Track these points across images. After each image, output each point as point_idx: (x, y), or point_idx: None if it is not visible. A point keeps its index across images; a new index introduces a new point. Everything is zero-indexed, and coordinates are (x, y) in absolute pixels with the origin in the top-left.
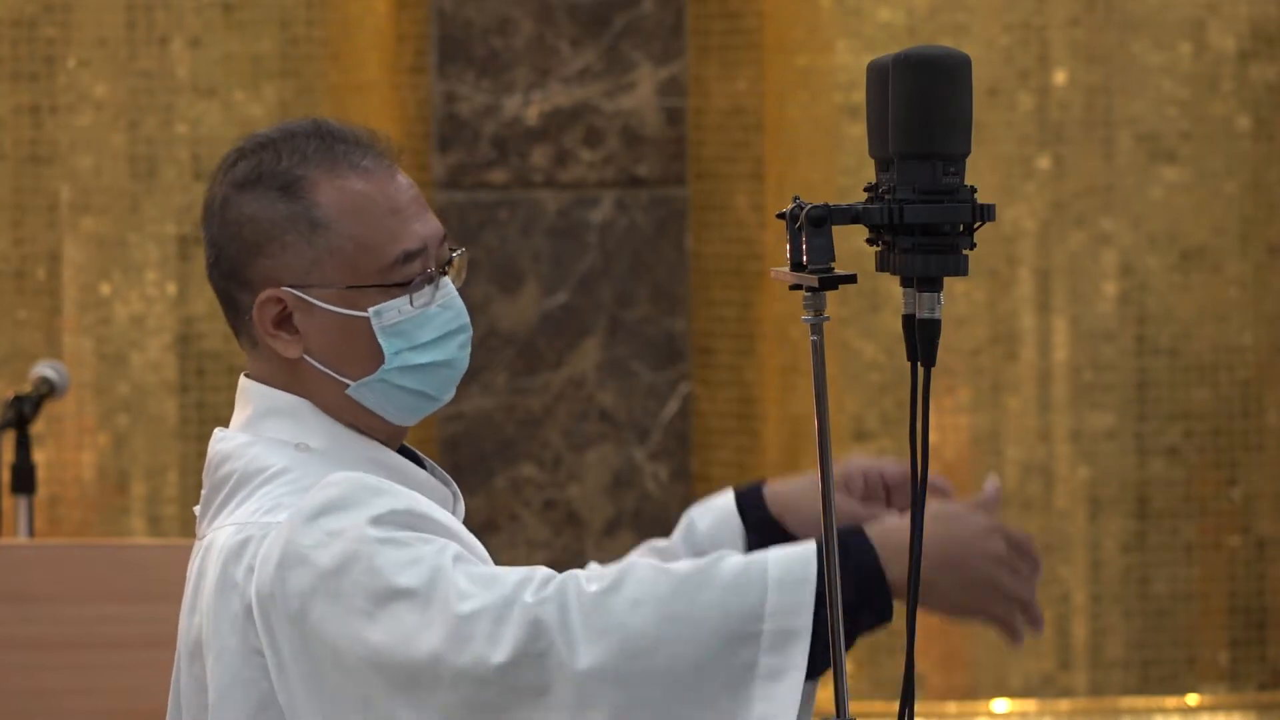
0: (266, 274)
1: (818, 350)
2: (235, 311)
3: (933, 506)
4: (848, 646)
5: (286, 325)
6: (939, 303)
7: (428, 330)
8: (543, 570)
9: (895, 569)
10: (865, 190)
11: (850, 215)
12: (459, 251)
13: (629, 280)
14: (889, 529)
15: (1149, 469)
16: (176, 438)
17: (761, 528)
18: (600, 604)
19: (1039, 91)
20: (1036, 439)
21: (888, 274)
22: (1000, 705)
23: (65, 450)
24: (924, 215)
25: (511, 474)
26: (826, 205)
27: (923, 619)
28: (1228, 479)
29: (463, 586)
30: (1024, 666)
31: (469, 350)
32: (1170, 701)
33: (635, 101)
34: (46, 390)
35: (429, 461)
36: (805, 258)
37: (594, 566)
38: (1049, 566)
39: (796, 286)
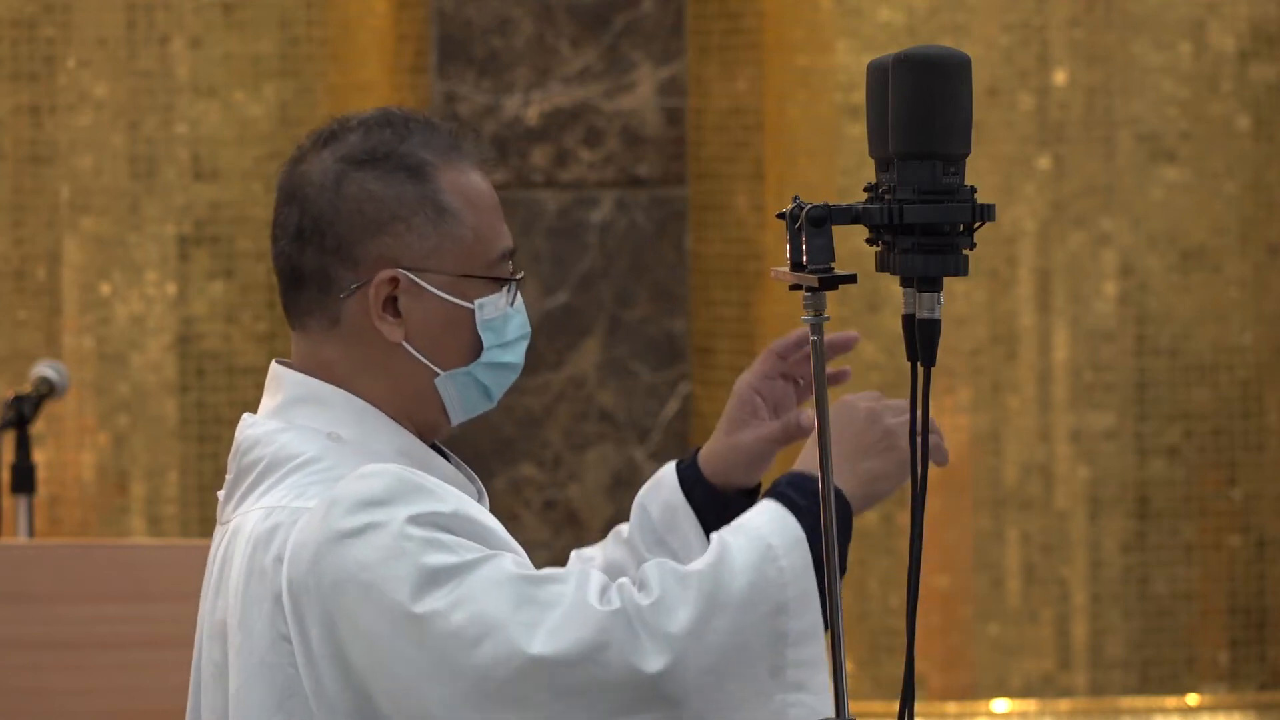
0: (382, 253)
1: (818, 350)
2: (325, 288)
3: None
4: (842, 572)
5: (390, 308)
6: (939, 303)
7: (511, 330)
8: (596, 576)
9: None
10: (865, 190)
11: (850, 215)
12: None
13: (629, 280)
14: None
15: (1149, 469)
16: (176, 438)
17: (709, 504)
18: (658, 613)
19: (1039, 91)
20: (1036, 439)
21: (888, 274)
22: (1000, 705)
23: (65, 450)
24: (924, 215)
25: (511, 474)
26: (826, 205)
27: (922, 619)
28: (1228, 479)
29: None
30: (1024, 666)
31: None
32: (1170, 701)
33: (635, 101)
34: (46, 390)
35: (454, 457)
36: (805, 258)
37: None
38: (1049, 566)
39: (796, 286)
